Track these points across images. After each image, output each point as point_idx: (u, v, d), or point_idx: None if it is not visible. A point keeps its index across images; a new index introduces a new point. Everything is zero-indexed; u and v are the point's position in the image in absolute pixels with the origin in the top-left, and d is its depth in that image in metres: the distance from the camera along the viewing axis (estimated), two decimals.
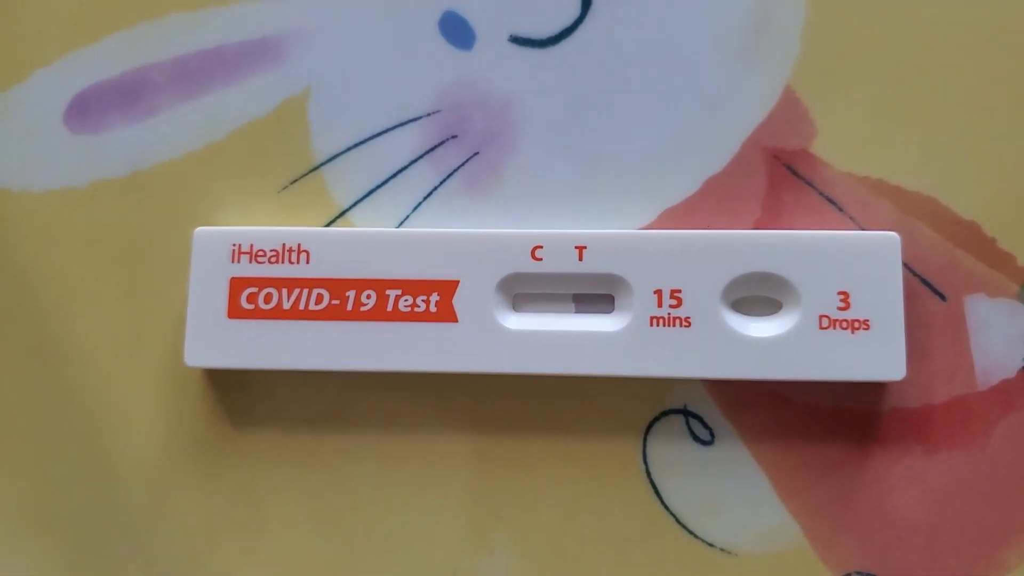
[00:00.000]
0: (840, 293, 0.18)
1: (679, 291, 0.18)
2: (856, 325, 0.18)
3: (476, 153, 0.20)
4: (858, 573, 0.18)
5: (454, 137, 0.20)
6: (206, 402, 0.20)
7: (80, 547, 0.20)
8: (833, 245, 0.18)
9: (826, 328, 0.18)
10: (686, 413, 0.19)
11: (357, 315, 0.19)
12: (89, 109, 0.21)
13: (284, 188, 0.20)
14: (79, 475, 0.20)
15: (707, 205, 0.20)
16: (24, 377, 0.20)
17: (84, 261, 0.20)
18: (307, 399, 0.20)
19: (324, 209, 0.20)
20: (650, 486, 0.19)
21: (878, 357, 0.18)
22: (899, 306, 0.18)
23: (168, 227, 0.20)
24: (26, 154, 0.21)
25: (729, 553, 0.19)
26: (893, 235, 0.18)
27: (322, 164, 0.20)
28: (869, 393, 0.19)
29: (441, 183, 0.20)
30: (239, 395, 0.20)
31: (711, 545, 0.19)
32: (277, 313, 0.19)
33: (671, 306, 0.18)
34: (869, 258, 0.18)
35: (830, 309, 0.18)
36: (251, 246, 0.19)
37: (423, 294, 0.19)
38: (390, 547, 0.19)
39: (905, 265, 0.19)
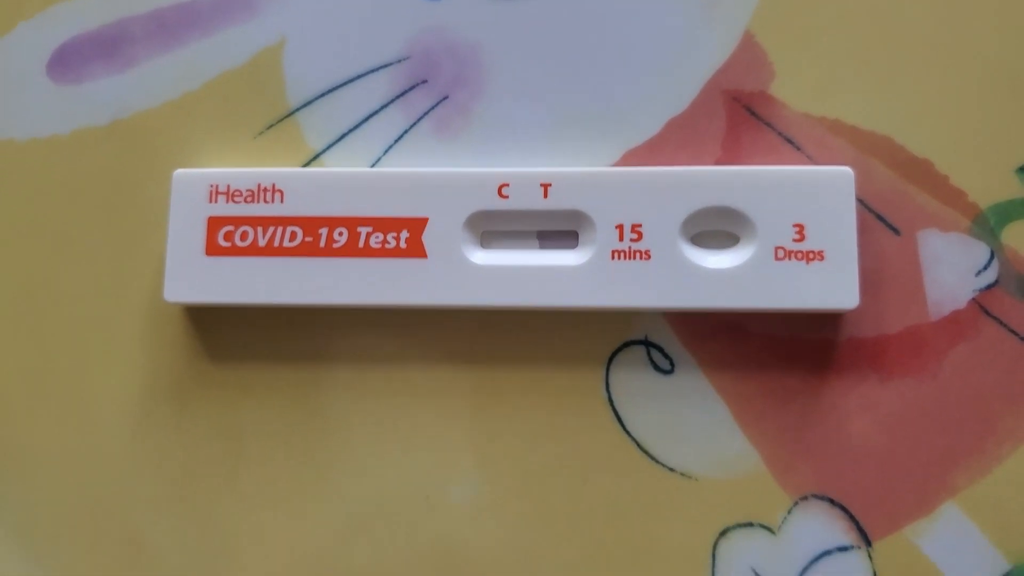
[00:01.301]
0: (795, 225, 0.19)
1: (640, 225, 0.19)
2: (811, 256, 0.19)
3: (445, 97, 0.21)
4: (814, 496, 0.19)
5: (424, 82, 0.21)
6: (185, 338, 0.20)
7: (63, 482, 0.20)
8: (788, 179, 0.19)
9: (782, 259, 0.19)
10: (647, 344, 0.20)
11: (330, 251, 0.19)
12: (71, 60, 0.21)
13: (260, 133, 0.21)
14: (63, 412, 0.20)
15: (669, 146, 0.20)
16: (10, 318, 0.21)
17: (68, 206, 0.21)
18: (282, 334, 0.20)
19: (299, 153, 0.21)
20: (613, 414, 0.20)
21: (832, 286, 0.19)
22: (852, 237, 0.19)
23: (148, 173, 0.21)
24: (10, 104, 0.21)
25: (689, 478, 0.19)
26: (847, 169, 0.19)
27: (297, 110, 0.21)
28: (825, 323, 0.19)
29: (411, 126, 0.21)
30: (217, 331, 0.20)
31: (672, 470, 0.19)
32: (253, 250, 0.20)
33: (632, 240, 0.19)
34: (823, 192, 0.19)
35: (785, 241, 0.19)
36: (228, 187, 0.20)
37: (393, 231, 0.19)
38: (364, 477, 0.20)
39: (860, 201, 0.20)
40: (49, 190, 0.21)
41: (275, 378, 0.20)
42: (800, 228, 0.19)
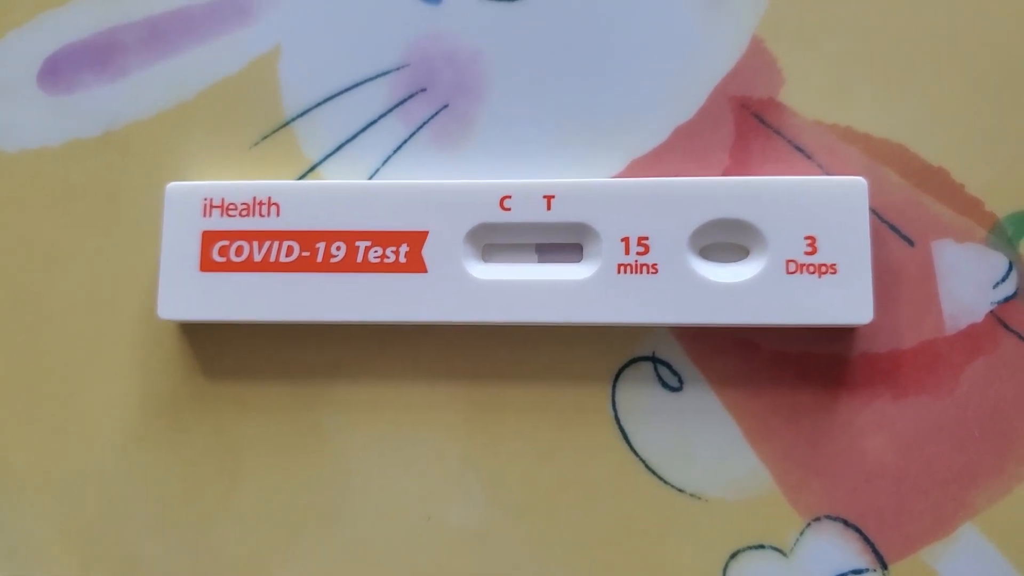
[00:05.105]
0: (807, 238, 0.18)
1: (646, 238, 0.18)
2: (823, 269, 0.18)
3: (445, 106, 0.20)
4: (828, 517, 0.19)
5: (423, 90, 0.20)
6: (180, 355, 0.20)
7: (55, 502, 0.20)
8: (800, 190, 0.18)
9: (793, 273, 0.18)
10: (655, 360, 0.19)
11: (327, 267, 0.19)
12: (62, 70, 0.21)
13: (256, 144, 0.20)
14: (55, 432, 0.20)
15: (676, 155, 0.20)
16: (1, 334, 0.20)
17: (59, 219, 0.20)
18: (279, 351, 0.20)
19: (295, 164, 0.20)
20: (620, 432, 0.19)
21: (846, 300, 0.18)
22: (866, 249, 0.18)
23: (141, 185, 0.20)
24: (0, 114, 0.21)
25: (699, 498, 0.19)
26: (860, 179, 0.18)
27: (293, 119, 0.20)
28: (838, 338, 0.19)
29: (411, 136, 0.20)
30: (212, 348, 0.20)
31: (681, 491, 0.19)
32: (248, 265, 0.19)
33: (638, 253, 0.18)
34: (836, 202, 0.18)
35: (797, 254, 0.18)
36: (222, 200, 0.19)
37: (392, 245, 0.19)
38: (364, 496, 0.19)
39: (873, 211, 0.19)
40: (39, 203, 0.21)
41: (272, 396, 0.20)
42: (812, 240, 0.18)
